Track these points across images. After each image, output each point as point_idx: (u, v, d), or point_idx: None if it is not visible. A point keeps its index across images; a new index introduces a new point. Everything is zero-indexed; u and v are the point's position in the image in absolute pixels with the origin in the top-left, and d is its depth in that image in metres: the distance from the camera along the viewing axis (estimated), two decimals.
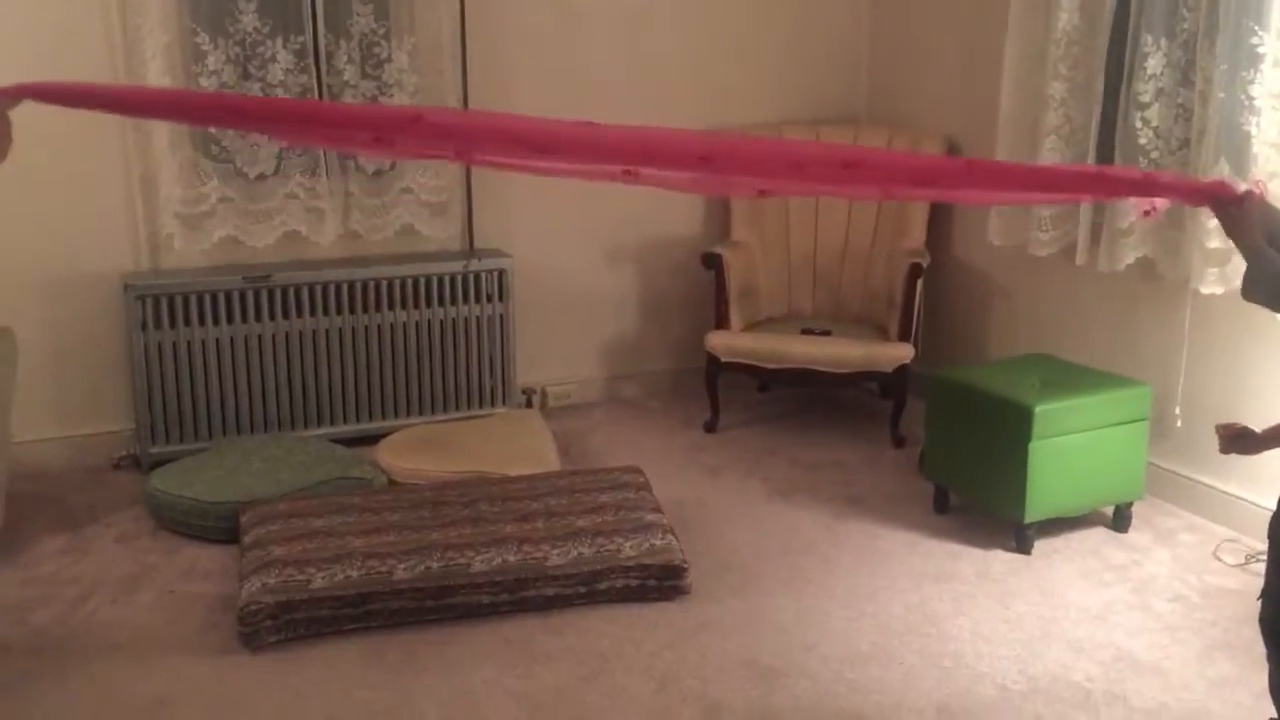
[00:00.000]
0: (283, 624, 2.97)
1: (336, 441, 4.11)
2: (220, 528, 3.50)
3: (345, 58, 4.09)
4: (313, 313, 4.17)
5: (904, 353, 4.26)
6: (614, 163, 2.44)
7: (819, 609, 3.18)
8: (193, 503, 3.56)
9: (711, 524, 3.69)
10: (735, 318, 4.53)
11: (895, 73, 4.94)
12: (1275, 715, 2.48)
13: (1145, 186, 2.43)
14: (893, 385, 4.34)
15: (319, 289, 4.16)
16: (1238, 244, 2.01)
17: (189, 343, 4.03)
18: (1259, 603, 2.47)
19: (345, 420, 4.28)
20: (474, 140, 2.54)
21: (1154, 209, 2.24)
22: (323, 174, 4.12)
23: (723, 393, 4.51)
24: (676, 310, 4.90)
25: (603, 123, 2.36)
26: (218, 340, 4.07)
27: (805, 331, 4.50)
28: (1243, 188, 2.06)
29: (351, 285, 4.21)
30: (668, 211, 4.74)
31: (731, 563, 3.43)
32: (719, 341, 4.41)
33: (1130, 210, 2.31)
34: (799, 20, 4.89)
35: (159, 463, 3.90)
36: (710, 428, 4.51)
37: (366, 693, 2.80)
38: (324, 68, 4.08)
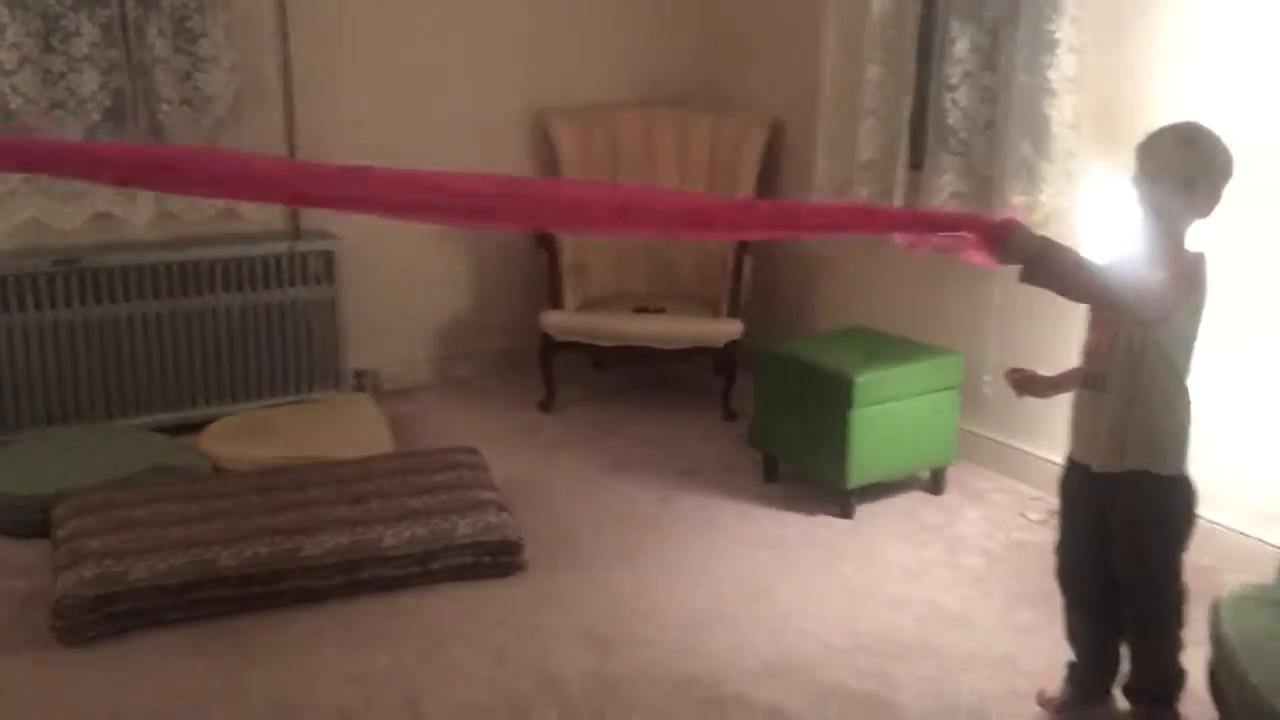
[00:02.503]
0: (102, 617, 2.86)
1: (158, 431, 3.97)
2: (31, 521, 3.34)
3: (156, 31, 3.93)
4: (128, 297, 4.01)
5: (733, 328, 4.37)
6: (403, 210, 2.34)
7: (654, 578, 3.24)
8: (1, 496, 3.39)
9: (548, 500, 3.71)
10: (569, 296, 4.56)
11: (723, 56, 5.04)
12: (1073, 659, 2.67)
13: (915, 224, 2.51)
14: (724, 360, 4.45)
15: (134, 272, 4.00)
16: (1014, 262, 2.14)
17: None
18: (1054, 556, 2.66)
19: (166, 408, 4.13)
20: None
21: (916, 244, 2.35)
22: None
23: (559, 371, 4.53)
24: (511, 290, 4.90)
25: (378, 168, 2.20)
26: (24, 327, 3.87)
27: (638, 309, 4.56)
28: (999, 216, 2.20)
29: (170, 268, 4.06)
30: None
31: (568, 537, 3.47)
32: (553, 320, 4.43)
33: (903, 240, 2.41)
34: (628, 2, 4.94)
35: None
36: (546, 406, 4.54)
37: (193, 682, 2.72)
38: (133, 42, 3.91)
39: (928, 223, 2.51)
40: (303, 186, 2.34)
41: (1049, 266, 2.14)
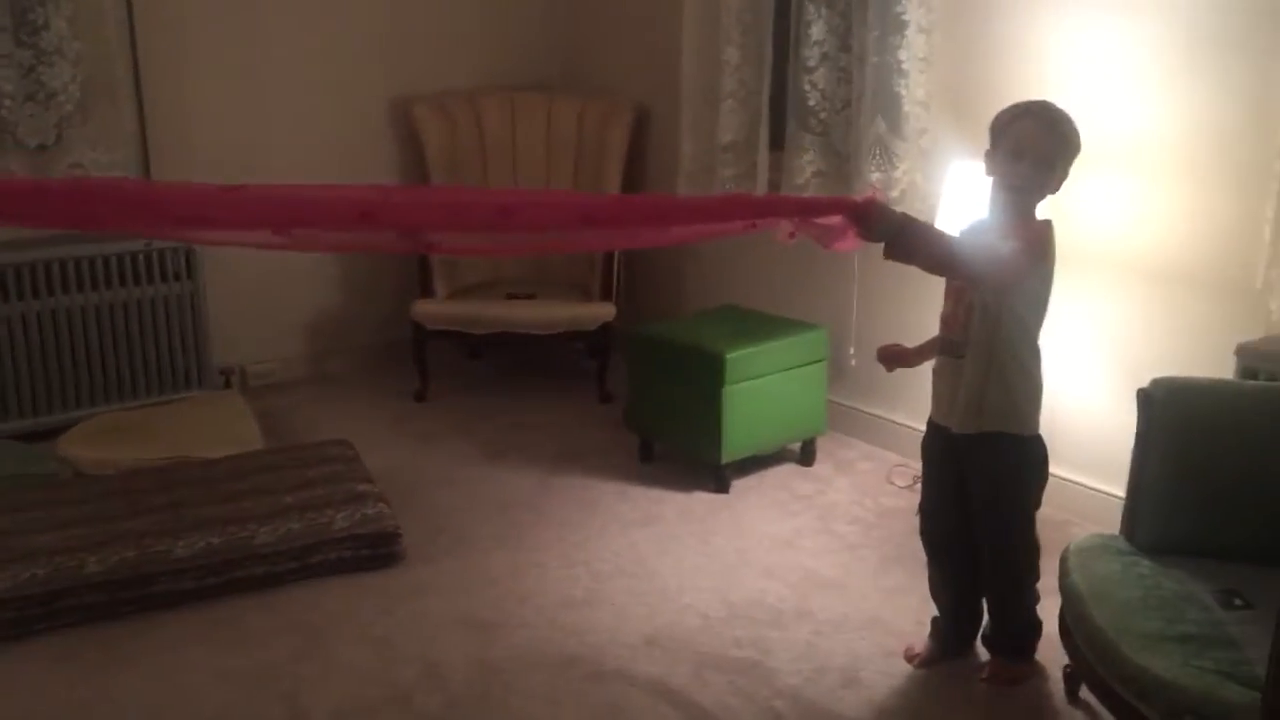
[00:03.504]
0: None
1: (14, 438, 3.82)
2: None
3: None
4: None
5: (606, 311, 4.41)
6: (261, 226, 2.14)
7: (532, 561, 3.27)
8: None
9: (424, 490, 3.70)
10: (440, 285, 4.53)
11: (586, 40, 5.06)
12: (937, 615, 2.79)
13: (787, 209, 2.60)
14: (597, 343, 4.48)
15: None
16: (877, 239, 2.23)
17: None
18: (917, 517, 2.77)
19: (22, 415, 3.98)
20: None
21: (794, 233, 2.43)
22: None
23: (434, 362, 4.51)
24: (380, 281, 4.84)
25: (254, 185, 2.11)
26: None
27: (510, 296, 4.56)
28: (863, 195, 2.30)
29: (18, 269, 3.90)
30: (361, 178, 4.59)
31: (445, 525, 3.47)
32: (423, 310, 4.41)
33: (775, 234, 2.48)
34: None
35: None
36: (420, 397, 4.51)
37: (62, 691, 2.65)
38: None
39: (798, 207, 2.59)
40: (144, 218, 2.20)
41: (909, 242, 2.23)
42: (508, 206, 2.33)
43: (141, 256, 4.10)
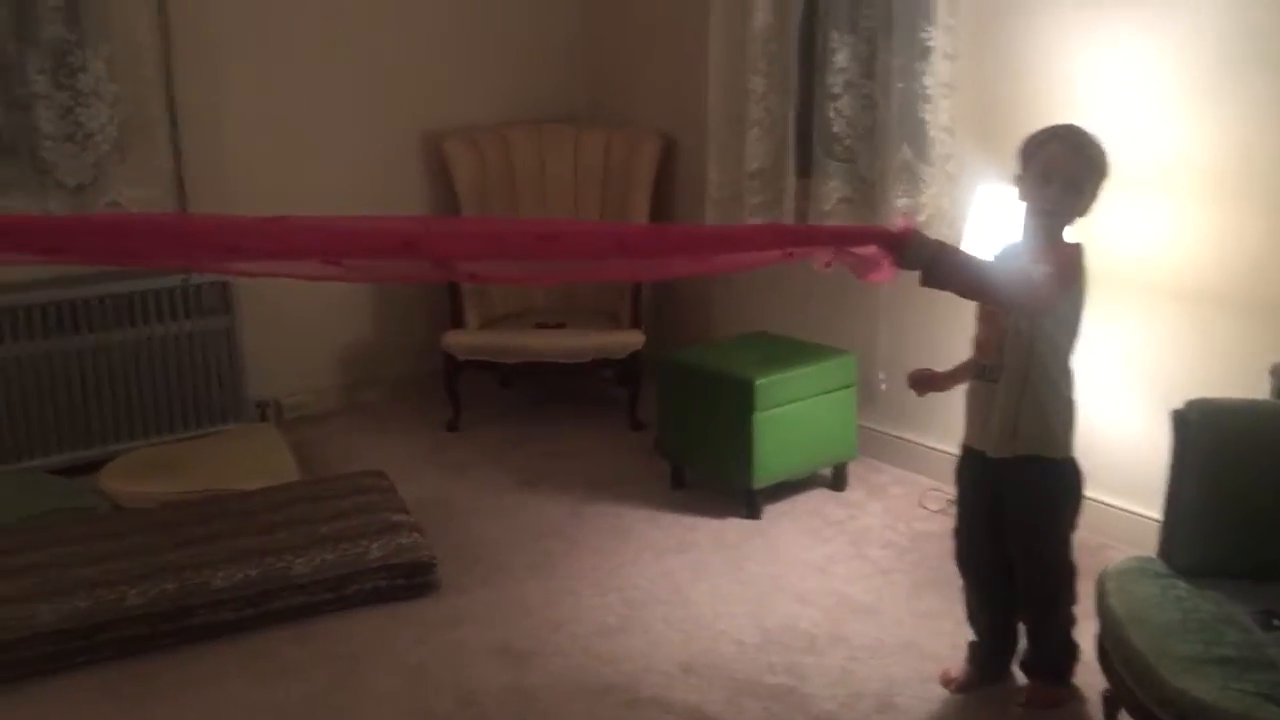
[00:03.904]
0: (5, 663, 2.80)
1: (53, 472, 3.88)
2: None
3: (35, 68, 3.86)
4: (16, 337, 3.91)
5: (635, 339, 4.43)
6: (310, 256, 2.20)
7: (567, 589, 3.28)
8: None
9: (458, 519, 3.73)
10: (471, 316, 4.57)
11: (612, 71, 5.11)
12: (973, 639, 2.77)
13: (823, 239, 2.61)
14: (627, 371, 4.50)
15: (22, 312, 3.91)
16: (913, 267, 2.24)
17: None
18: (953, 541, 2.77)
19: (62, 449, 4.03)
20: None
21: (831, 262, 2.45)
22: (16, 191, 3.87)
23: (465, 391, 4.54)
24: (412, 312, 4.89)
25: (299, 216, 2.18)
26: None
27: (540, 325, 4.60)
28: (898, 224, 2.31)
29: (59, 306, 3.97)
30: (394, 211, 4.65)
31: (479, 554, 3.49)
32: (455, 340, 4.45)
33: (813, 264, 2.50)
34: (515, 19, 4.98)
35: None
36: (453, 427, 4.54)
37: None
38: (13, 79, 3.83)
39: (834, 236, 2.60)
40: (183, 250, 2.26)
41: (945, 269, 2.24)
42: (548, 235, 2.37)
43: (179, 292, 4.17)
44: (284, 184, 4.42)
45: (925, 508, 3.76)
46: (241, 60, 4.36)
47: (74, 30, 3.91)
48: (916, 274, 2.25)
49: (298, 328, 4.61)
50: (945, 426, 3.75)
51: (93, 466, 3.93)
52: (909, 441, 4.03)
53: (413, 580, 3.23)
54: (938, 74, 3.65)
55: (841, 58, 3.88)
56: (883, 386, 3.99)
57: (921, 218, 3.69)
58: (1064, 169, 2.40)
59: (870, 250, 2.31)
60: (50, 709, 2.74)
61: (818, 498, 3.86)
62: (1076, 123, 2.50)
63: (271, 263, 2.27)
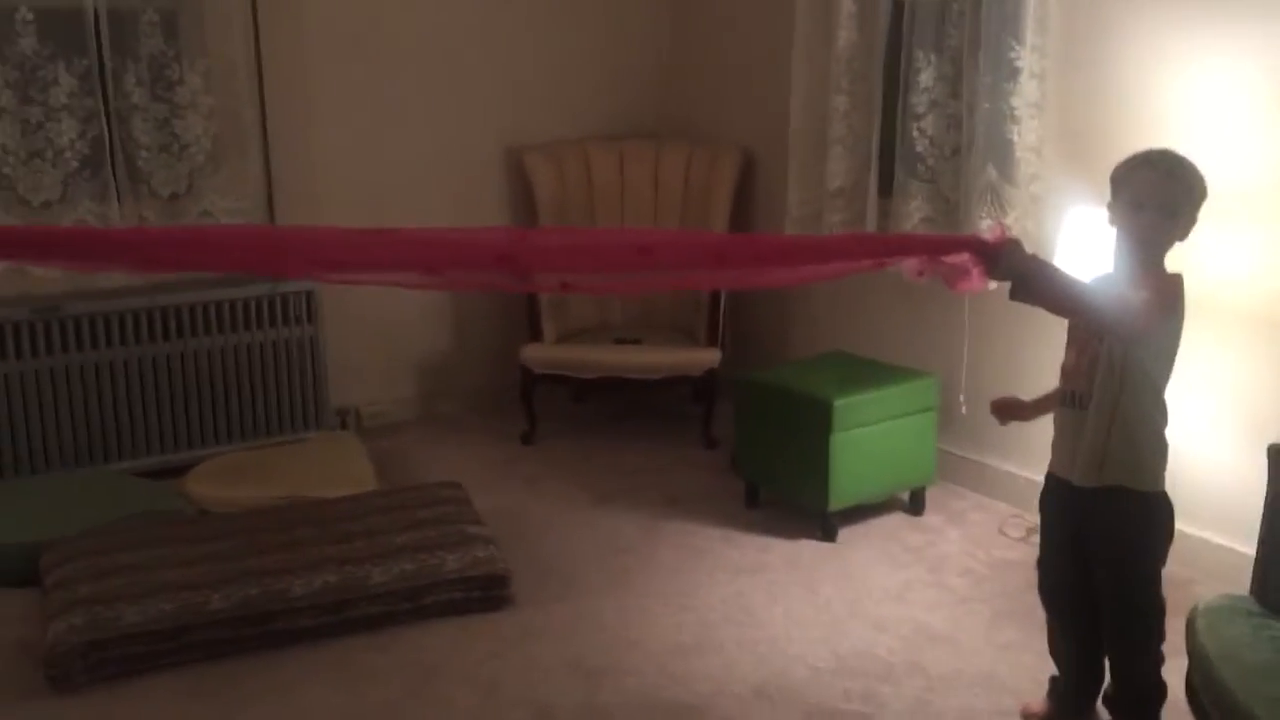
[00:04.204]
0: (94, 663, 2.87)
1: (141, 475, 3.98)
2: (17, 570, 3.34)
3: (134, 79, 3.97)
4: (109, 343, 4.02)
5: (711, 357, 4.43)
6: (411, 267, 2.27)
7: (641, 607, 3.28)
8: None
9: (533, 532, 3.75)
10: (548, 329, 4.60)
11: (693, 88, 5.12)
12: (1055, 673, 2.72)
13: (914, 248, 2.56)
14: (703, 389, 4.50)
15: (114, 318, 4.02)
16: (1004, 277, 2.21)
17: None
18: (1037, 572, 2.71)
19: (150, 453, 4.14)
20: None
21: (925, 270, 2.41)
22: (114, 199, 3.98)
23: (539, 404, 4.57)
24: (490, 325, 4.94)
25: (404, 227, 2.23)
26: (5, 376, 3.87)
27: (617, 340, 4.61)
28: (990, 235, 2.27)
29: (150, 313, 4.08)
30: (475, 224, 4.72)
31: (554, 568, 3.50)
32: (532, 353, 4.48)
33: (905, 272, 2.47)
34: (598, 38, 5.02)
35: None
36: (528, 439, 4.57)
37: None
38: (111, 91, 3.95)
39: (927, 245, 2.58)
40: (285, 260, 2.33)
41: (1038, 283, 2.20)
42: (645, 246, 2.36)
43: (266, 301, 4.26)
44: (369, 195, 4.50)
45: (1006, 535, 3.70)
46: (330, 75, 4.45)
47: (172, 44, 4.03)
48: (1004, 288, 2.21)
49: (378, 338, 4.68)
50: (1027, 452, 3.70)
51: (179, 470, 4.03)
52: (989, 466, 3.97)
53: (488, 593, 3.26)
54: (1025, 94, 3.60)
55: (926, 77, 3.85)
56: (963, 410, 3.92)
57: (999, 231, 3.63)
58: (1157, 195, 2.35)
59: (961, 258, 2.27)
60: (141, 708, 2.80)
61: (895, 522, 3.82)
62: (1169, 145, 2.44)
63: (374, 273, 2.32)
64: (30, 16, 3.79)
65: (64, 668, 2.84)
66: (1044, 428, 2.63)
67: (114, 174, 3.98)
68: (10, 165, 3.86)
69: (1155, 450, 2.45)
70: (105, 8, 3.89)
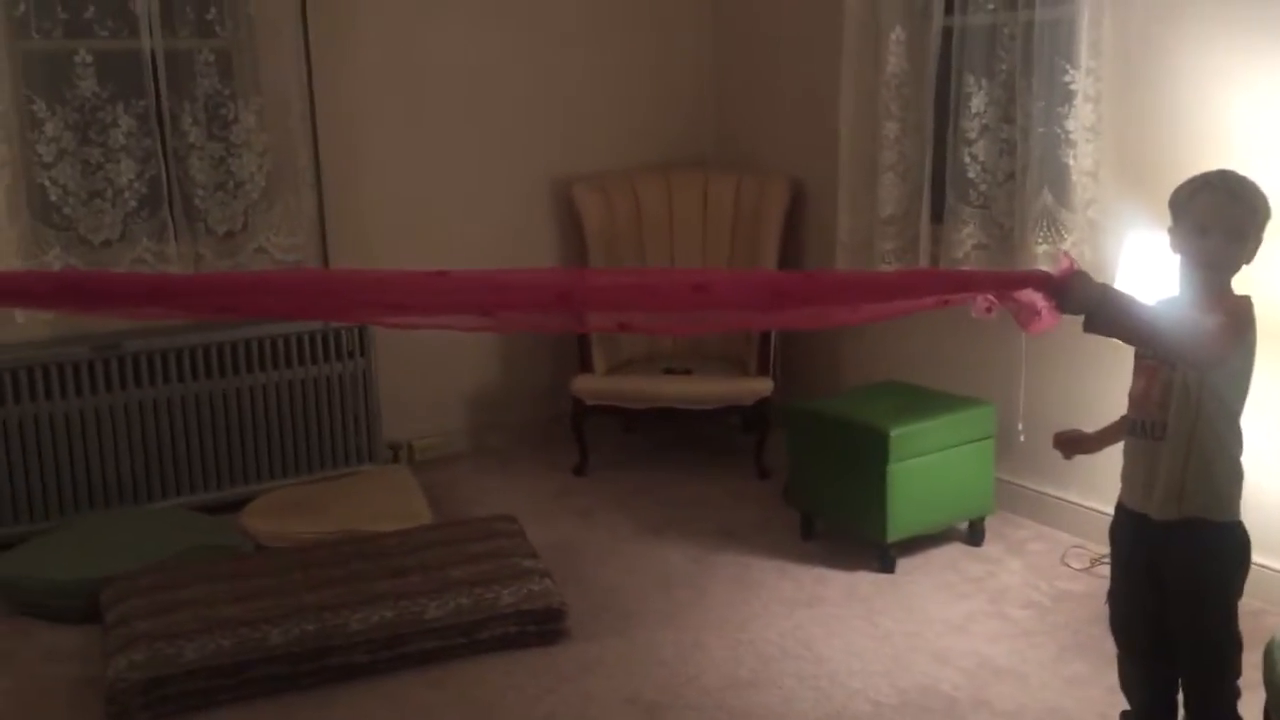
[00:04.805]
0: (154, 700, 2.88)
1: (197, 510, 4.01)
2: (77, 607, 3.37)
3: (190, 119, 4.04)
4: (166, 380, 4.07)
5: (763, 386, 4.40)
6: (469, 309, 2.28)
7: (697, 641, 3.24)
8: (47, 583, 3.43)
9: (587, 565, 3.72)
10: (598, 361, 4.60)
11: (740, 116, 5.12)
12: (1127, 708, 2.64)
13: (980, 285, 2.48)
14: (755, 419, 4.47)
15: (172, 355, 4.06)
16: (1077, 311, 2.16)
17: (35, 417, 3.88)
18: (1107, 604, 2.64)
19: (205, 488, 4.17)
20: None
21: (993, 306, 2.36)
22: (171, 238, 4.04)
23: (590, 435, 4.56)
24: (540, 357, 4.94)
25: (458, 270, 2.21)
26: (66, 414, 3.92)
27: (667, 371, 4.60)
28: (1056, 268, 2.23)
29: (207, 349, 4.12)
30: (524, 256, 4.75)
31: (609, 602, 3.47)
32: (583, 385, 4.47)
33: (972, 309, 2.42)
34: (644, 68, 5.03)
35: (5, 546, 3.72)
36: (580, 471, 4.56)
37: None
38: (168, 131, 4.02)
39: (993, 281, 2.52)
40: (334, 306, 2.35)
41: (1111, 313, 2.15)
42: (702, 285, 2.33)
43: (320, 336, 4.29)
44: (419, 230, 4.54)
45: (1068, 565, 3.62)
46: (380, 110, 4.50)
47: (226, 83, 4.09)
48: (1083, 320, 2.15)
49: (429, 371, 4.69)
50: (1088, 481, 3.63)
51: (235, 505, 4.06)
52: (1049, 496, 3.89)
53: (544, 627, 3.24)
54: (1080, 117, 3.56)
55: (977, 102, 3.82)
56: (1021, 438, 3.86)
57: (1066, 264, 3.58)
58: (1222, 219, 2.29)
59: (1028, 295, 2.22)
60: None
61: (953, 552, 3.76)
62: (1228, 166, 2.39)
63: (430, 317, 2.32)
64: (89, 59, 3.87)
65: (124, 704, 2.85)
66: (1104, 455, 2.57)
67: (171, 213, 4.04)
68: (71, 206, 3.93)
69: (1232, 479, 2.38)
70: (162, 48, 3.96)
